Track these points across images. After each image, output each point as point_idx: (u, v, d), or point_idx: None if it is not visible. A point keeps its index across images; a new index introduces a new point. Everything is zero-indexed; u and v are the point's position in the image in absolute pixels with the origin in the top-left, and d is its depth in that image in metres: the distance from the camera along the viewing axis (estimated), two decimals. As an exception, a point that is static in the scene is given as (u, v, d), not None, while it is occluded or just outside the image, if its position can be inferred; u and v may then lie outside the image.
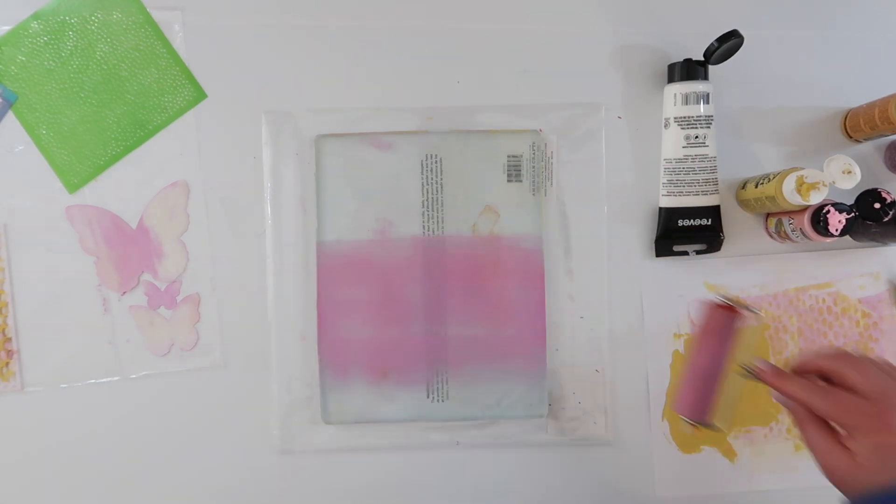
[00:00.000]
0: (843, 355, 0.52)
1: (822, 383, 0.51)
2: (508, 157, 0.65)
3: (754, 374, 0.52)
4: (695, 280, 0.66)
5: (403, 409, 0.64)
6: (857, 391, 0.49)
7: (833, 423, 0.49)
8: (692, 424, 0.56)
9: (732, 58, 0.63)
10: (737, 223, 0.66)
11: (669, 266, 0.66)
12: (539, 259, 0.65)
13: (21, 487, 0.64)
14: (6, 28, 0.63)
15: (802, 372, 0.53)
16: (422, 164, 0.64)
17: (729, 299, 0.56)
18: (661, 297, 0.66)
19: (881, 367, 0.52)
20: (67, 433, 0.64)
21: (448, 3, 0.66)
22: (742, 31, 0.60)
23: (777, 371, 0.52)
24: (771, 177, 0.60)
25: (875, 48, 0.67)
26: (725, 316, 0.56)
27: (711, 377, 0.55)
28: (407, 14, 0.66)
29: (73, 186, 0.64)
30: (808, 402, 0.51)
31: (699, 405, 0.56)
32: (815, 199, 0.57)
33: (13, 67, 0.63)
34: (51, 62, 0.64)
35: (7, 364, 0.64)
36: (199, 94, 0.65)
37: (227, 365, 0.65)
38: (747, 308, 0.56)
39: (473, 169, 0.65)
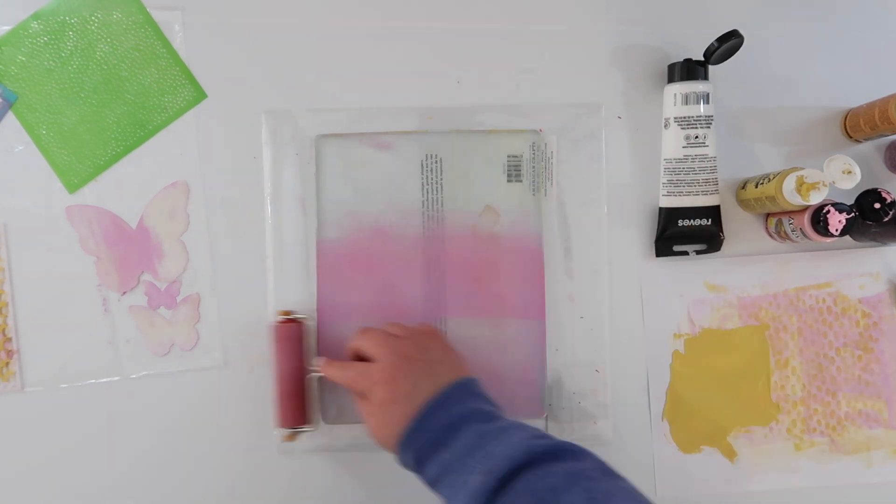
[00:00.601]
0: (362, 331, 0.57)
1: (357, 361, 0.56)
2: (508, 157, 0.65)
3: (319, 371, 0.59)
4: (695, 280, 0.66)
5: (403, 409, 0.64)
6: (373, 359, 0.54)
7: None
8: (294, 432, 0.62)
9: (732, 58, 0.63)
10: (737, 223, 0.66)
11: (669, 266, 0.66)
12: (539, 259, 0.65)
13: (21, 487, 0.64)
14: (6, 28, 0.63)
15: (348, 357, 0.58)
16: (422, 164, 0.64)
17: (285, 314, 0.62)
18: (661, 297, 0.66)
19: (394, 330, 0.57)
20: (67, 433, 0.64)
21: (448, 3, 0.66)
22: (742, 31, 0.60)
23: (327, 361, 0.58)
24: (771, 177, 0.60)
25: (875, 48, 0.67)
26: (289, 329, 0.61)
27: (297, 386, 0.61)
28: (407, 14, 0.66)
29: (73, 186, 0.64)
30: (339, 380, 0.56)
31: (296, 414, 0.61)
32: (815, 199, 0.57)
33: (13, 67, 0.63)
34: (51, 62, 0.64)
35: (7, 364, 0.64)
36: (199, 94, 0.65)
37: (227, 365, 0.65)
38: (300, 316, 0.62)
39: (473, 169, 0.65)
